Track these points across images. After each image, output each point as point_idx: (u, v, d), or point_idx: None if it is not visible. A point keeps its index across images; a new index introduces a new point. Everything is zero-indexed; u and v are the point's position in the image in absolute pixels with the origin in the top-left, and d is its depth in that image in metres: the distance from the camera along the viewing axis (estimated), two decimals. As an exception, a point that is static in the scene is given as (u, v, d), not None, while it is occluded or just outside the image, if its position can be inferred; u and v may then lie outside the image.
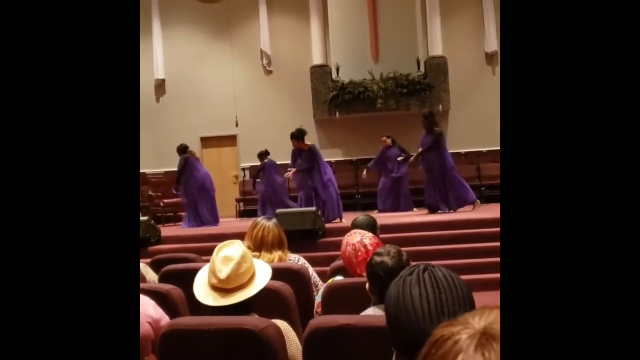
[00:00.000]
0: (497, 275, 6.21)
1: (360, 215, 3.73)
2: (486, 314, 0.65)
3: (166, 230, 8.58)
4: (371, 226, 3.38)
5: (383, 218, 7.32)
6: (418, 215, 8.64)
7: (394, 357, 1.18)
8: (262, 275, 2.10)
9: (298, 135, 8.44)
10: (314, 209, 7.38)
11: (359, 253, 2.59)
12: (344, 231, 3.24)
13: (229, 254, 2.04)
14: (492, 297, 5.76)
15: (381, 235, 3.60)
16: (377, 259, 2.00)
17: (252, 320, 1.89)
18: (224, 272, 2.00)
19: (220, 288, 2.01)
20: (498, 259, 7.04)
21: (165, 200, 10.75)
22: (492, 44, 12.27)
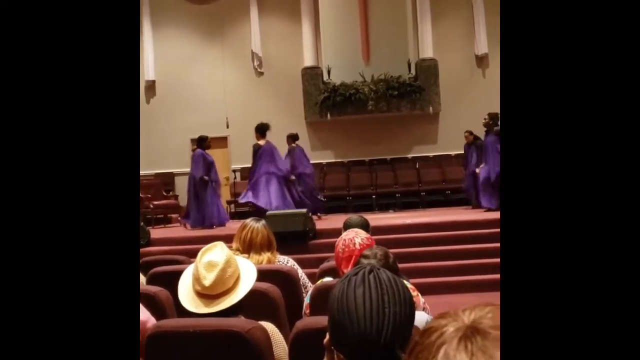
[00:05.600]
0: (488, 276, 6.24)
1: (352, 216, 3.72)
2: (477, 309, 0.65)
3: (156, 233, 8.54)
4: (363, 227, 3.37)
5: (373, 220, 7.32)
6: (410, 217, 8.65)
7: (325, 358, 1.19)
8: (247, 278, 2.07)
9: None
10: (304, 210, 7.38)
11: (347, 249, 2.59)
12: (334, 233, 3.23)
13: (213, 260, 1.99)
14: (482, 299, 5.80)
15: (373, 237, 3.60)
16: (364, 261, 1.99)
17: (238, 322, 1.87)
18: (208, 279, 1.95)
19: (205, 294, 1.97)
20: (489, 260, 7.10)
21: (155, 202, 10.71)
22: (483, 46, 12.33)
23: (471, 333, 0.60)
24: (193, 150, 9.49)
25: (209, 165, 9.01)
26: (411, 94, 11.96)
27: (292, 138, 9.87)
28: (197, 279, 1.98)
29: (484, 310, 0.64)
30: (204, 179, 8.87)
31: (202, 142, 9.25)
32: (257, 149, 8.57)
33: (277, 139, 12.42)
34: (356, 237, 2.64)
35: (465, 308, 0.65)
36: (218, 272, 1.96)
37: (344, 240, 2.62)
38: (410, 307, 1.11)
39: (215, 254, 2.01)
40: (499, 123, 9.07)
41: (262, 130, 8.68)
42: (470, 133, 10.25)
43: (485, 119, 9.34)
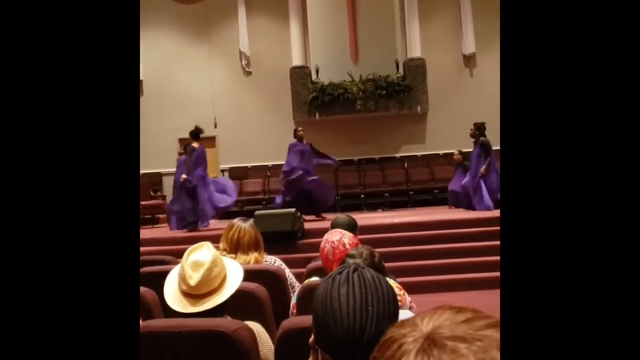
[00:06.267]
0: (476, 275, 6.27)
1: (340, 215, 3.72)
2: (436, 316, 0.63)
3: (143, 233, 8.49)
4: (351, 226, 3.38)
5: (362, 219, 7.34)
6: (398, 216, 8.67)
7: (310, 357, 1.19)
8: (233, 278, 2.06)
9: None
10: (292, 210, 7.37)
11: (337, 251, 2.59)
12: (323, 233, 3.25)
13: (199, 259, 1.98)
14: (470, 297, 5.80)
15: (359, 236, 3.60)
16: (350, 260, 2.00)
17: (224, 323, 1.87)
18: (194, 278, 1.95)
19: (191, 294, 1.97)
20: (476, 259, 7.09)
21: (143, 203, 10.65)
22: (470, 46, 12.38)
23: (428, 346, 0.59)
24: (180, 155, 9.49)
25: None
26: (399, 93, 11.99)
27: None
28: (182, 279, 1.97)
29: (442, 316, 0.63)
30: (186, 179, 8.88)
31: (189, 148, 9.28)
32: (191, 151, 8.62)
33: (267, 138, 12.44)
34: (343, 237, 2.64)
35: (424, 314, 0.64)
36: (204, 271, 1.96)
37: (332, 242, 2.62)
38: (394, 306, 1.11)
39: (201, 254, 2.01)
40: (485, 133, 9.00)
41: (196, 134, 8.73)
42: (460, 152, 10.15)
43: (471, 129, 9.15)
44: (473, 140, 9.17)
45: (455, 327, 0.60)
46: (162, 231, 9.23)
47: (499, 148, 10.78)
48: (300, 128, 9.46)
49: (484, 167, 8.75)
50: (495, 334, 0.59)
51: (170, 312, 2.09)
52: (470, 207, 8.89)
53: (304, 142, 9.20)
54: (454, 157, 10.23)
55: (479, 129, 9.00)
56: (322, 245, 2.69)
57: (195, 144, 8.64)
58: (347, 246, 2.59)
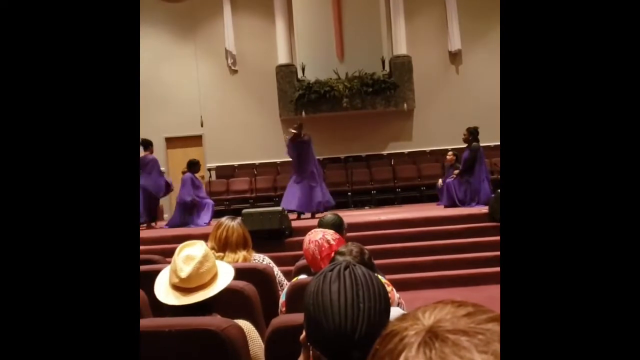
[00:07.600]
0: (463, 271, 6.32)
1: (327, 214, 3.73)
2: (437, 309, 0.63)
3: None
4: (338, 225, 3.38)
5: (349, 216, 7.36)
6: (385, 213, 8.70)
7: (301, 355, 1.19)
8: (224, 275, 2.10)
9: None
10: (280, 208, 7.37)
11: (323, 249, 2.60)
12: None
13: (191, 254, 2.03)
14: (455, 294, 5.84)
15: (347, 234, 3.61)
16: (340, 258, 2.01)
17: (214, 321, 1.87)
18: (185, 271, 1.99)
19: (182, 287, 2.00)
20: (464, 255, 7.12)
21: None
22: (456, 43, 12.43)
23: (429, 339, 0.59)
24: (183, 173, 9.70)
25: (197, 189, 9.52)
26: (385, 90, 12.00)
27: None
28: (174, 271, 2.01)
29: (443, 310, 0.63)
30: (195, 200, 9.39)
31: (192, 166, 9.54)
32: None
33: (253, 136, 12.41)
34: (325, 234, 2.66)
35: (425, 308, 0.64)
36: (195, 264, 2.00)
37: (316, 241, 2.62)
38: (385, 303, 1.12)
39: (194, 249, 2.06)
40: (478, 137, 9.00)
41: (145, 144, 9.20)
42: (454, 154, 10.03)
43: (464, 134, 9.09)
44: (466, 144, 9.17)
45: (456, 321, 0.60)
46: (149, 231, 9.19)
47: (494, 143, 10.85)
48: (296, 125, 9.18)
49: (458, 171, 8.96)
50: (496, 328, 0.59)
51: (159, 312, 2.09)
52: (454, 204, 8.95)
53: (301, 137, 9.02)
54: (447, 157, 10.03)
55: (472, 134, 8.98)
56: (305, 246, 2.69)
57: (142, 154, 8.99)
58: (332, 242, 2.60)
